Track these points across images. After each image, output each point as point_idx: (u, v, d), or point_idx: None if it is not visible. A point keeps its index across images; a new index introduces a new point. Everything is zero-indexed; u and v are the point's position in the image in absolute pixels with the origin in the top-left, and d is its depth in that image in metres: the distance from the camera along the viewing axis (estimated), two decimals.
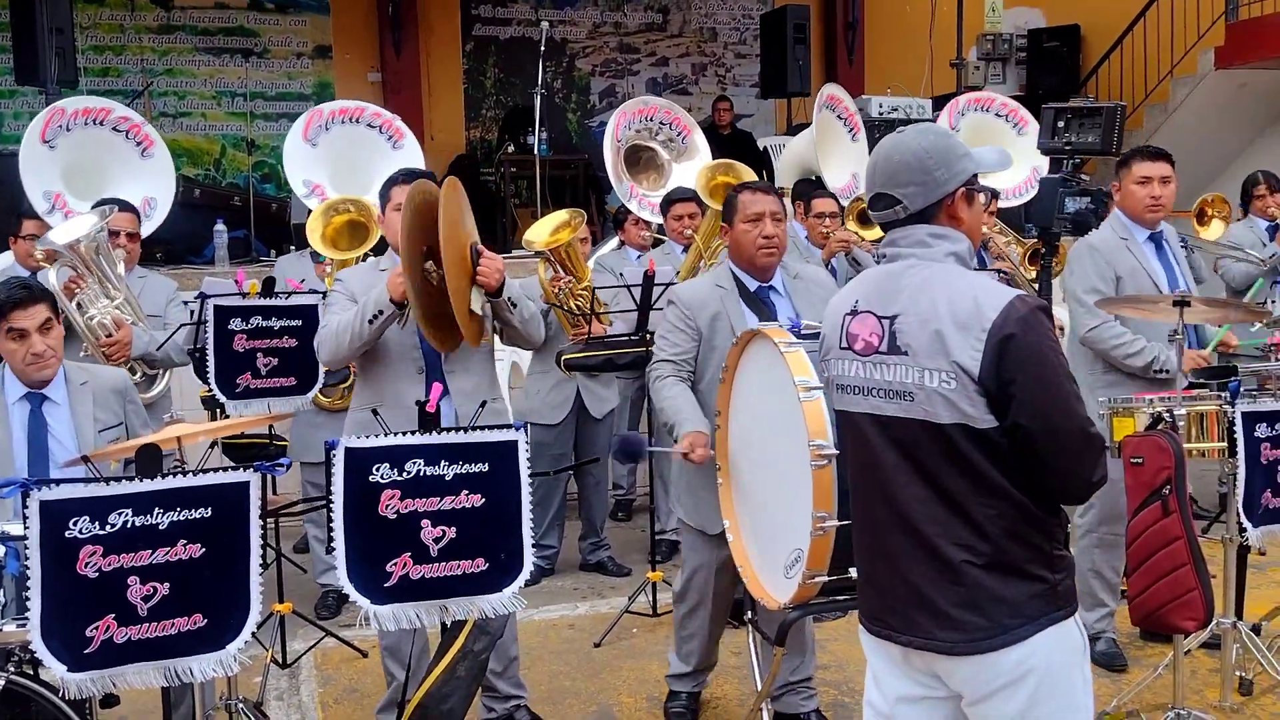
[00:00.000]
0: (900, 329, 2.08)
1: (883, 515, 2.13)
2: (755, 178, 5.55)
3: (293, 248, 7.81)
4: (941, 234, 2.13)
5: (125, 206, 4.63)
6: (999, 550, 2.04)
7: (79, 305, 4.18)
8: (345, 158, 5.77)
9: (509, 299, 3.33)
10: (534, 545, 2.85)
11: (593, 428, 5.23)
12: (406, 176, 3.49)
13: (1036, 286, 4.01)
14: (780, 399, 2.88)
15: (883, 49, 11.36)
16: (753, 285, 3.44)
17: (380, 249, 4.41)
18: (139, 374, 4.38)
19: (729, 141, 9.50)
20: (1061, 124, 4.40)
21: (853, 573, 2.76)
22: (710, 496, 3.29)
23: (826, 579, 2.77)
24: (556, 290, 4.70)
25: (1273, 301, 5.71)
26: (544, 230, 4.82)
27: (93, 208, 4.60)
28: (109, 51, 9.74)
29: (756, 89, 10.92)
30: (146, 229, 5.24)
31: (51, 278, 4.07)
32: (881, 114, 8.63)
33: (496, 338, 3.57)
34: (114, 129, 5.66)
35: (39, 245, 4.26)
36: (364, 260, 4.48)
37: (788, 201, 6.25)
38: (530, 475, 2.83)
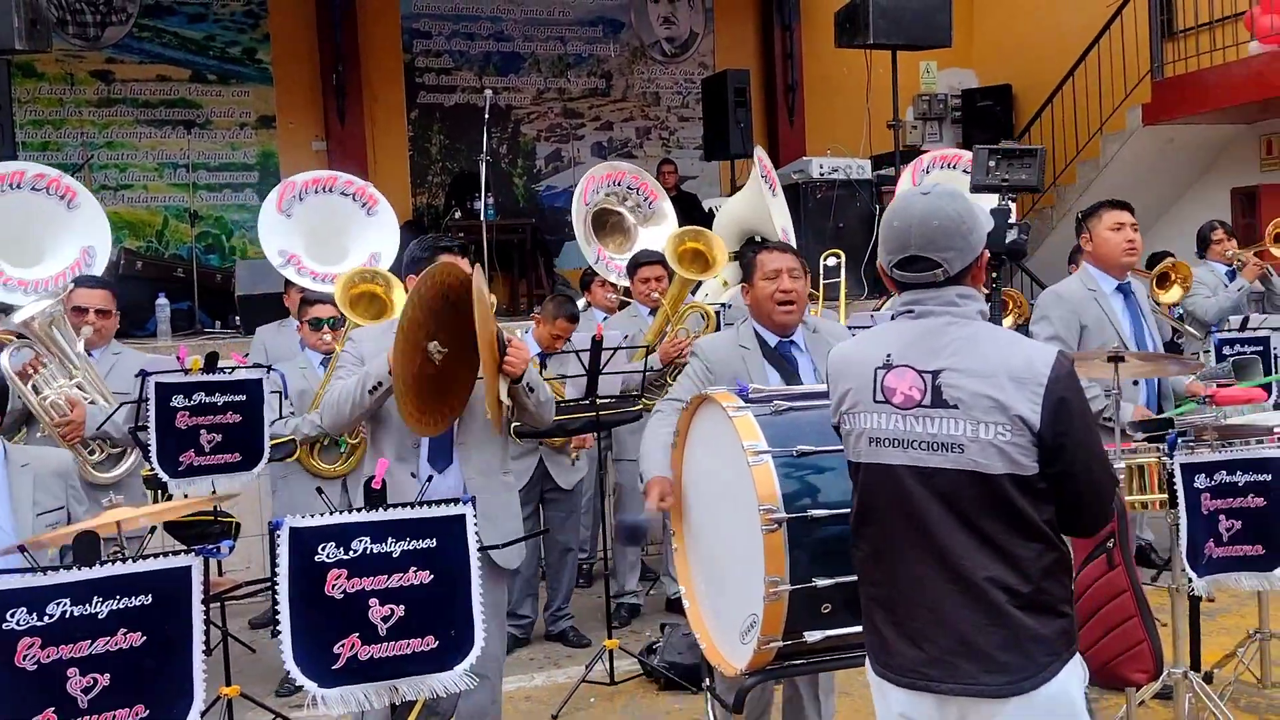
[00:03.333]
0: (947, 383, 2.14)
1: (925, 566, 2.16)
2: (721, 241, 5.62)
3: (238, 319, 7.76)
4: (968, 294, 2.23)
5: (96, 283, 4.60)
6: (1038, 590, 2.13)
7: (34, 387, 4.13)
8: (320, 226, 5.79)
9: (527, 384, 3.32)
10: (511, 615, 2.81)
11: (559, 498, 5.22)
12: (461, 248, 3.46)
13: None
14: (729, 464, 2.89)
15: (822, 111, 11.60)
16: (773, 341, 3.47)
17: None
18: (102, 453, 4.33)
19: (675, 203, 9.55)
20: (993, 163, 4.63)
21: (808, 637, 2.78)
22: None
23: (781, 644, 2.77)
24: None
25: (1205, 352, 5.88)
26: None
27: (72, 283, 4.58)
28: (48, 125, 9.67)
29: (700, 151, 11.08)
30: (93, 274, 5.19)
31: (4, 360, 4.02)
32: (823, 174, 8.81)
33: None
34: (33, 189, 5.60)
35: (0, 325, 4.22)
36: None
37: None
38: (490, 547, 2.80)
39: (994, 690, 2.12)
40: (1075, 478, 2.13)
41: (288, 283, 5.70)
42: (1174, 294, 6.39)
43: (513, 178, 11.24)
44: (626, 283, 5.92)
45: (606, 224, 6.55)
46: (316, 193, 5.86)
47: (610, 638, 4.65)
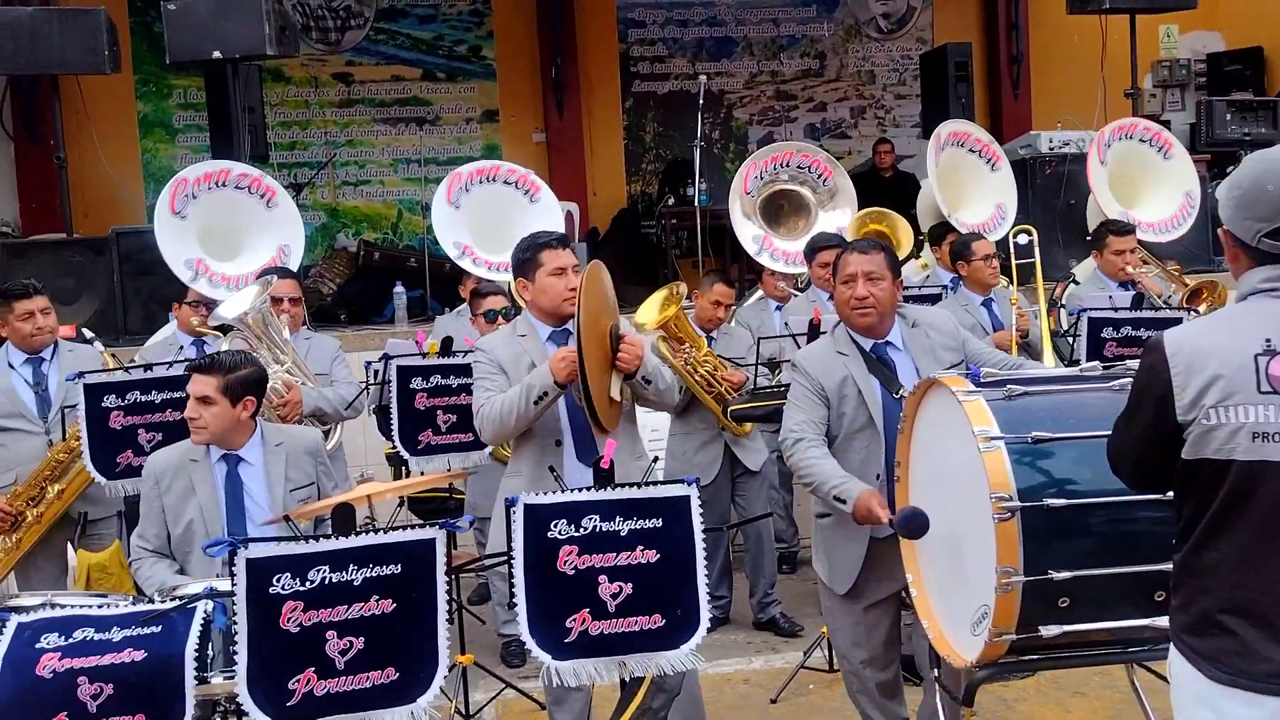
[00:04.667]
0: None
1: None
2: (906, 224, 5.48)
3: (451, 308, 8.12)
4: None
5: (285, 273, 4.92)
6: None
7: None
8: (487, 216, 5.98)
9: (643, 378, 3.34)
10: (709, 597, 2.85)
11: (748, 481, 5.21)
12: (559, 240, 3.51)
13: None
14: (960, 450, 2.81)
15: (1050, 82, 11.02)
16: (868, 344, 3.37)
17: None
18: None
19: (891, 184, 9.39)
20: (1229, 116, 4.22)
21: (1043, 631, 2.67)
22: (840, 556, 3.29)
23: (1014, 637, 2.67)
24: (684, 362, 4.81)
25: None
26: (652, 311, 4.94)
27: (256, 278, 4.87)
28: (295, 126, 10.37)
29: (918, 129, 10.75)
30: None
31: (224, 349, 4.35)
32: (1052, 148, 8.36)
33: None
34: (236, 187, 5.96)
35: (210, 321, 4.56)
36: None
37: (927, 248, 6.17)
38: (704, 531, 2.83)
39: None
40: None
41: (463, 273, 5.89)
42: None
43: (725, 163, 11.24)
44: (795, 269, 5.83)
45: (784, 206, 6.45)
46: (481, 183, 6.03)
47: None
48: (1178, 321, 4.74)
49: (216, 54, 6.82)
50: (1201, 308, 5.39)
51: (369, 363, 5.00)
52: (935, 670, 3.14)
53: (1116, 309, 4.93)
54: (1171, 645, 2.18)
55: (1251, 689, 2.03)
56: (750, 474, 5.19)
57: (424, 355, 4.31)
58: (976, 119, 9.21)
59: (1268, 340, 2.01)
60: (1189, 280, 5.74)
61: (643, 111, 11.08)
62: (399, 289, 7.94)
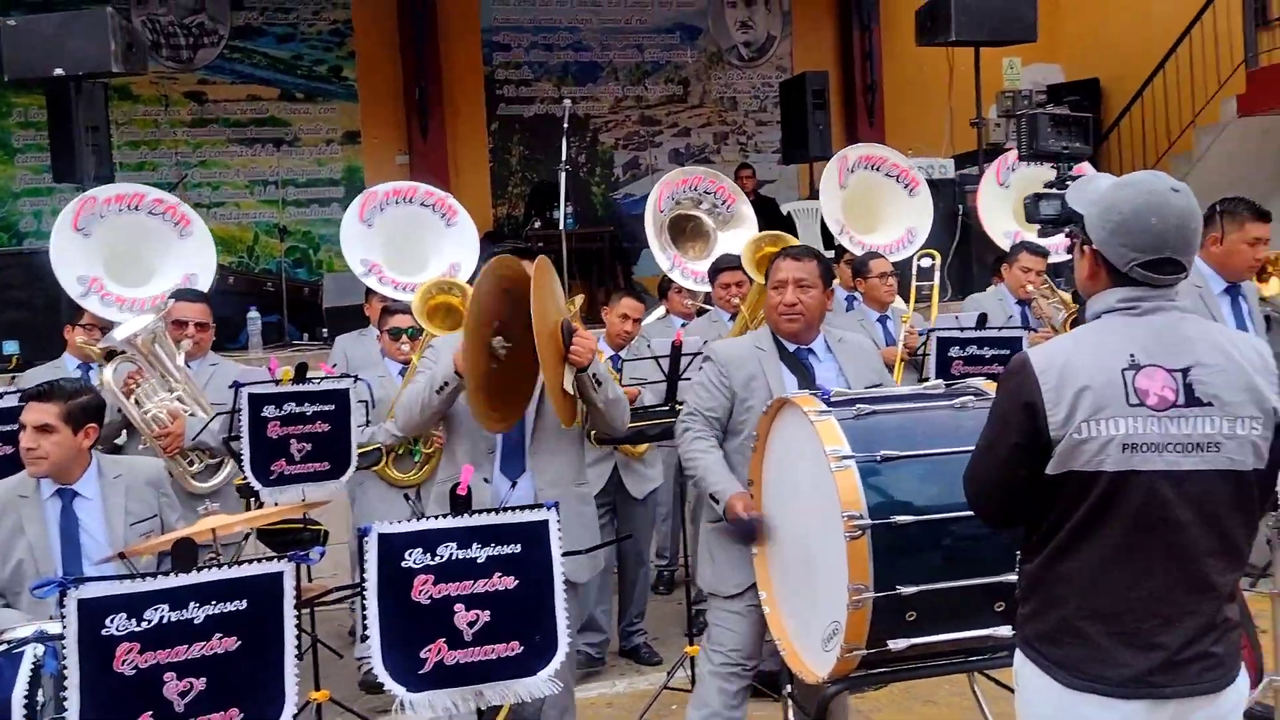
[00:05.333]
0: (1199, 380, 2.08)
1: (1170, 573, 2.09)
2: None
3: (325, 331, 7.94)
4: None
5: (195, 296, 4.74)
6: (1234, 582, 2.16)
7: (136, 401, 4.28)
8: (400, 237, 5.91)
9: (594, 375, 3.30)
10: (585, 629, 2.82)
11: (633, 508, 5.10)
12: (532, 252, 3.46)
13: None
14: (812, 469, 2.87)
15: (903, 110, 11.46)
16: (791, 347, 3.42)
17: None
18: (200, 463, 4.46)
19: (754, 207, 9.55)
20: (1051, 129, 4.53)
21: (892, 645, 2.74)
22: (726, 558, 3.29)
23: (865, 652, 2.73)
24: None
25: None
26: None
27: (170, 297, 4.73)
28: (144, 146, 10.01)
29: (778, 155, 11.02)
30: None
31: (107, 375, 4.16)
32: None
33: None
34: (150, 213, 5.82)
35: (100, 343, 4.37)
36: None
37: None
38: (562, 555, 2.82)
39: (1210, 686, 2.10)
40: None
41: (369, 292, 5.81)
42: (1273, 286, 6.16)
43: (591, 186, 11.31)
44: (705, 289, 5.90)
45: (686, 229, 6.54)
46: (397, 203, 5.98)
47: (692, 644, 4.62)
48: (1017, 340, 4.96)
49: (59, 71, 6.54)
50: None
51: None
52: (789, 686, 3.19)
53: (963, 328, 5.12)
54: (1019, 654, 2.24)
55: (1107, 694, 2.10)
56: (634, 500, 5.06)
57: (277, 382, 4.18)
58: (834, 145, 9.50)
59: (1132, 355, 2.10)
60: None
61: (508, 134, 11.07)
62: (253, 314, 7.71)
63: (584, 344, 3.24)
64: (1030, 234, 5.39)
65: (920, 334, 5.37)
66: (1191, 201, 2.13)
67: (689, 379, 4.74)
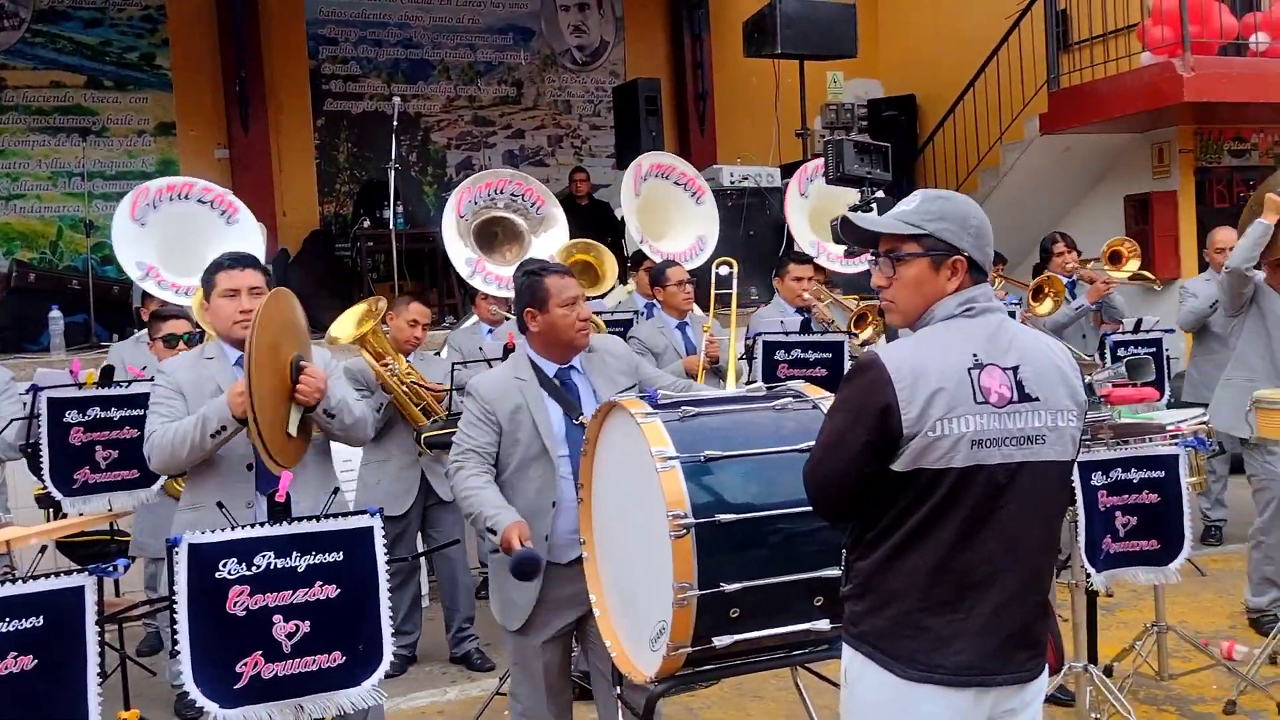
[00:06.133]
0: (1026, 377, 2.20)
1: (1004, 563, 2.18)
2: (611, 255, 5.63)
3: (136, 332, 7.54)
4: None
5: None
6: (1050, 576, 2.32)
7: None
8: (177, 237, 5.52)
9: (325, 410, 3.20)
10: (394, 633, 2.77)
11: (442, 512, 5.05)
12: (234, 261, 3.35)
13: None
14: (638, 471, 2.89)
15: (733, 119, 11.72)
16: (551, 370, 3.37)
17: None
18: None
19: (587, 212, 9.63)
20: (855, 154, 4.79)
21: (716, 642, 2.78)
22: (513, 591, 3.23)
23: (690, 650, 2.77)
24: (389, 374, 4.71)
25: (1101, 354, 6.08)
26: (348, 326, 4.84)
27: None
28: None
29: (613, 159, 11.10)
30: None
31: None
32: (733, 182, 8.89)
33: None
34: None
35: None
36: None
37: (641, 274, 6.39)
38: (388, 562, 2.76)
39: (1030, 674, 2.23)
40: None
41: (145, 295, 5.52)
42: (1047, 306, 6.56)
43: (423, 186, 11.12)
44: (508, 294, 5.87)
45: (499, 233, 6.49)
46: (173, 200, 5.57)
47: None
48: (840, 344, 5.13)
49: None
50: (867, 332, 5.87)
51: (22, 393, 4.52)
52: (618, 688, 3.21)
53: (788, 333, 5.26)
54: (849, 650, 2.29)
55: (945, 683, 2.17)
56: (444, 504, 5.01)
57: (80, 386, 3.95)
58: (666, 151, 9.64)
59: (975, 355, 2.20)
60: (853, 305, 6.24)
61: (335, 130, 10.78)
62: (55, 313, 7.25)
63: (311, 382, 3.14)
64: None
65: (747, 337, 5.49)
66: (978, 206, 2.35)
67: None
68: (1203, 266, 6.74)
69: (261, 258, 5.67)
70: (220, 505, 2.89)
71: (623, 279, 8.21)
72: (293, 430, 3.13)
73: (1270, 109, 9.16)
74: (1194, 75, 8.45)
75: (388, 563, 2.78)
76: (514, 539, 3.02)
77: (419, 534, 5.08)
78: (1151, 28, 8.94)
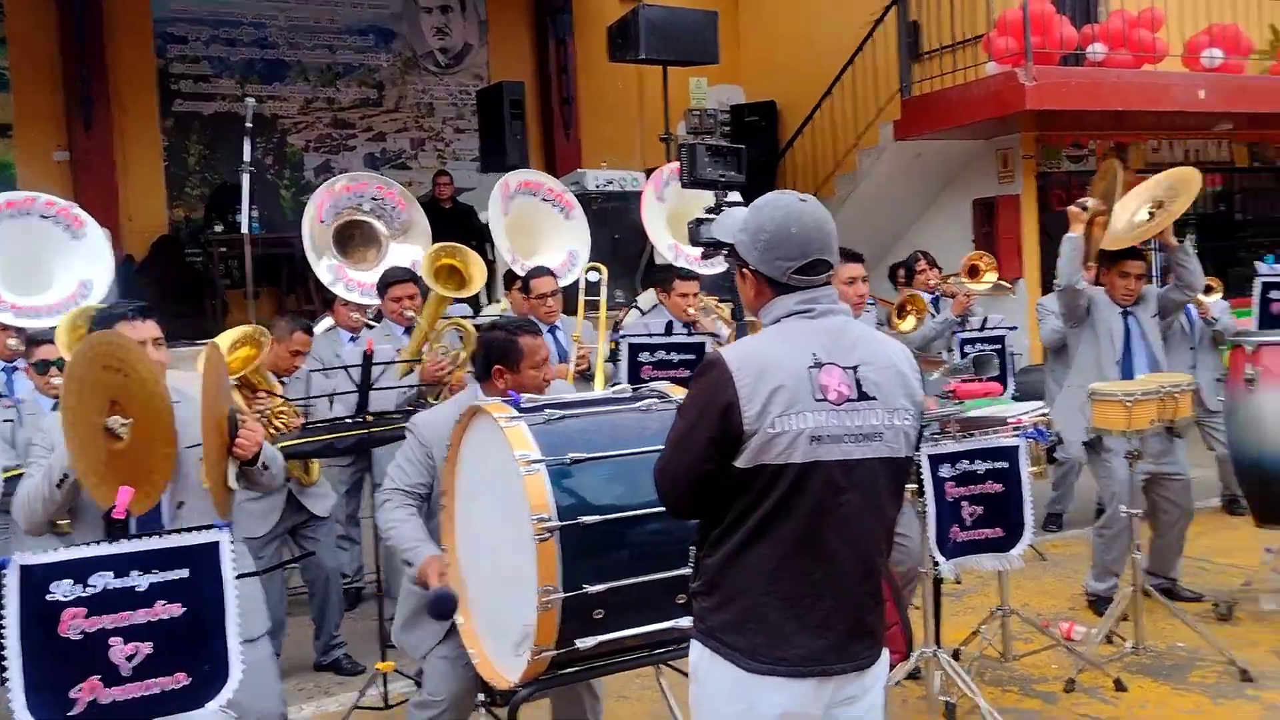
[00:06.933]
0: (865, 377, 2.27)
1: (843, 556, 2.24)
2: (479, 258, 5.55)
3: None
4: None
5: None
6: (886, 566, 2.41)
7: None
8: (19, 255, 5.17)
9: (262, 464, 3.15)
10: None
11: (317, 526, 5.00)
12: (136, 312, 3.13)
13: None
14: (502, 475, 2.86)
15: (598, 124, 11.73)
16: None
17: None
18: None
19: (450, 216, 9.49)
20: (707, 159, 4.87)
21: (579, 644, 2.77)
22: (425, 625, 3.23)
23: (554, 653, 2.75)
24: (259, 415, 4.43)
25: (949, 350, 6.33)
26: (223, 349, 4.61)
27: None
28: None
29: (477, 162, 10.98)
30: None
31: None
32: (598, 186, 8.89)
33: None
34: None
35: None
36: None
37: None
38: (236, 576, 2.66)
39: (867, 661, 2.30)
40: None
41: None
42: (909, 323, 6.78)
43: (280, 189, 10.81)
44: (371, 301, 5.75)
45: (356, 236, 6.34)
46: (13, 216, 5.22)
47: (384, 660, 4.50)
48: (701, 345, 5.19)
49: None
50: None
51: None
52: (481, 695, 3.16)
53: (651, 335, 5.29)
54: (696, 645, 2.32)
55: (786, 674, 2.22)
56: (317, 519, 4.99)
57: None
58: (531, 156, 9.60)
59: (814, 354, 2.25)
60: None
61: (185, 132, 10.38)
62: None
63: (250, 437, 3.08)
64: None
65: (610, 339, 5.50)
66: (820, 208, 2.36)
67: (382, 387, 4.63)
68: (1044, 266, 7.07)
69: (110, 270, 5.42)
70: (52, 524, 2.74)
71: (490, 295, 8.15)
72: (233, 484, 3.05)
73: (1106, 116, 9.67)
74: (1036, 84, 8.85)
75: (238, 577, 2.67)
76: (432, 575, 3.07)
77: (294, 549, 4.99)
78: (997, 39, 9.32)
